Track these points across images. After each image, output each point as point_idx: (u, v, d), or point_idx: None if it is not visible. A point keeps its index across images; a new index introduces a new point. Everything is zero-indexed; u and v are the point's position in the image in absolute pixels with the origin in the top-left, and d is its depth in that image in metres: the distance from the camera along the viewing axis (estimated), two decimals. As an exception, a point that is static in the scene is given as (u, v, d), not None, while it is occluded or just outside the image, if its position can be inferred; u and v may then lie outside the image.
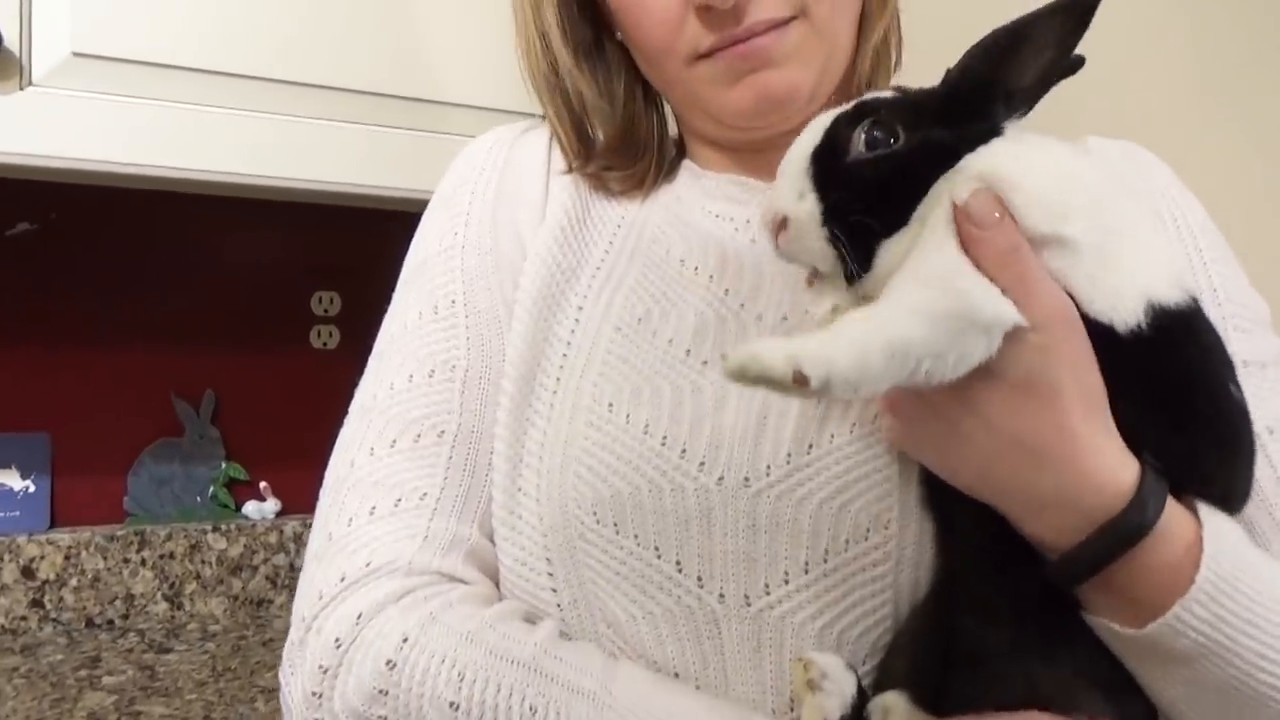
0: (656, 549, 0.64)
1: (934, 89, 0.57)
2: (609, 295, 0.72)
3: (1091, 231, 0.53)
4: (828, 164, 0.55)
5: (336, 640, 0.61)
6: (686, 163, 0.81)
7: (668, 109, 0.82)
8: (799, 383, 0.44)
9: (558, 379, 0.70)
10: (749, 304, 0.71)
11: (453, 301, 0.72)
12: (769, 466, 0.63)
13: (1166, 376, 0.55)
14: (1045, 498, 0.54)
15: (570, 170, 0.77)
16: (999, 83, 0.55)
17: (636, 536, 0.64)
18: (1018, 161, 0.53)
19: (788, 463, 0.63)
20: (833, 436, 0.63)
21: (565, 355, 0.70)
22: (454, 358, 0.71)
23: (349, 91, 1.17)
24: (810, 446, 0.63)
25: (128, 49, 1.02)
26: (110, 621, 1.40)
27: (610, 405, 0.67)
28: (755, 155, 0.77)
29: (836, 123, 0.56)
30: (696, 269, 0.73)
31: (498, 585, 0.69)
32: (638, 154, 0.78)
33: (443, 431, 0.69)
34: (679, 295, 0.72)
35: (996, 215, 0.51)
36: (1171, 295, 0.55)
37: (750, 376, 0.46)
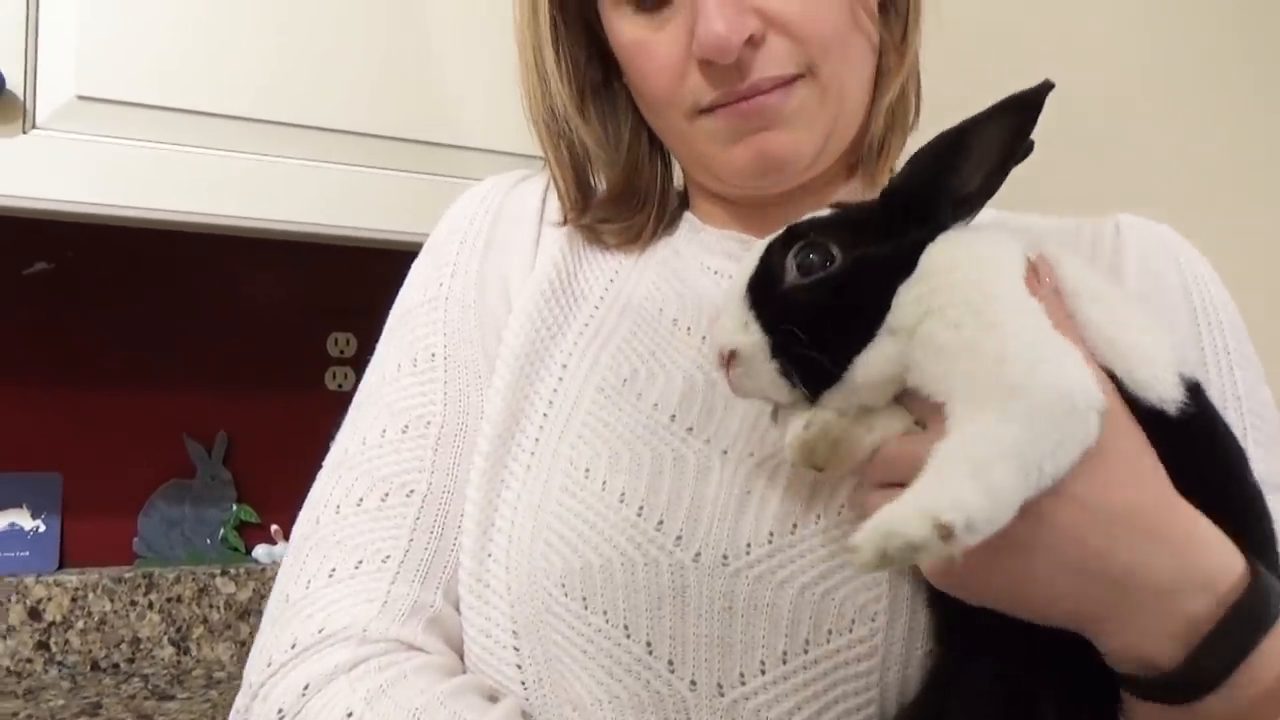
0: (626, 628, 0.60)
1: (873, 202, 0.54)
2: (595, 353, 0.69)
3: (1117, 305, 0.50)
4: (764, 293, 0.52)
5: (280, 712, 0.58)
6: (688, 215, 0.77)
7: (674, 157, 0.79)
8: (945, 537, 0.40)
9: (536, 440, 0.66)
10: None
11: (433, 355, 0.69)
12: (749, 545, 0.59)
13: (1202, 453, 0.51)
14: (1164, 583, 0.46)
15: (565, 222, 0.74)
16: (945, 191, 0.51)
17: (606, 613, 0.60)
18: (983, 249, 0.50)
19: (769, 542, 0.59)
20: (818, 517, 0.59)
21: (545, 415, 0.67)
22: (430, 413, 0.68)
23: (363, 135, 1.17)
24: (794, 526, 0.59)
25: (134, 91, 1.02)
26: (115, 665, 1.39)
27: (587, 470, 0.63)
28: (756, 211, 0.74)
29: (769, 250, 0.53)
30: (689, 329, 0.69)
31: (462, 658, 0.65)
32: (638, 204, 0.75)
33: (411, 491, 0.66)
34: (668, 356, 0.68)
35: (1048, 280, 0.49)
36: (1188, 371, 0.51)
37: (895, 557, 0.41)
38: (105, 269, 1.43)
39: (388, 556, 0.64)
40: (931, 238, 0.51)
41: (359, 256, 1.38)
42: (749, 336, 0.52)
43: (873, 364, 0.50)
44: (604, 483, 0.62)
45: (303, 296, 1.53)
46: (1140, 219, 0.72)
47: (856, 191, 0.75)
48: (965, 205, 0.52)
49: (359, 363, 1.52)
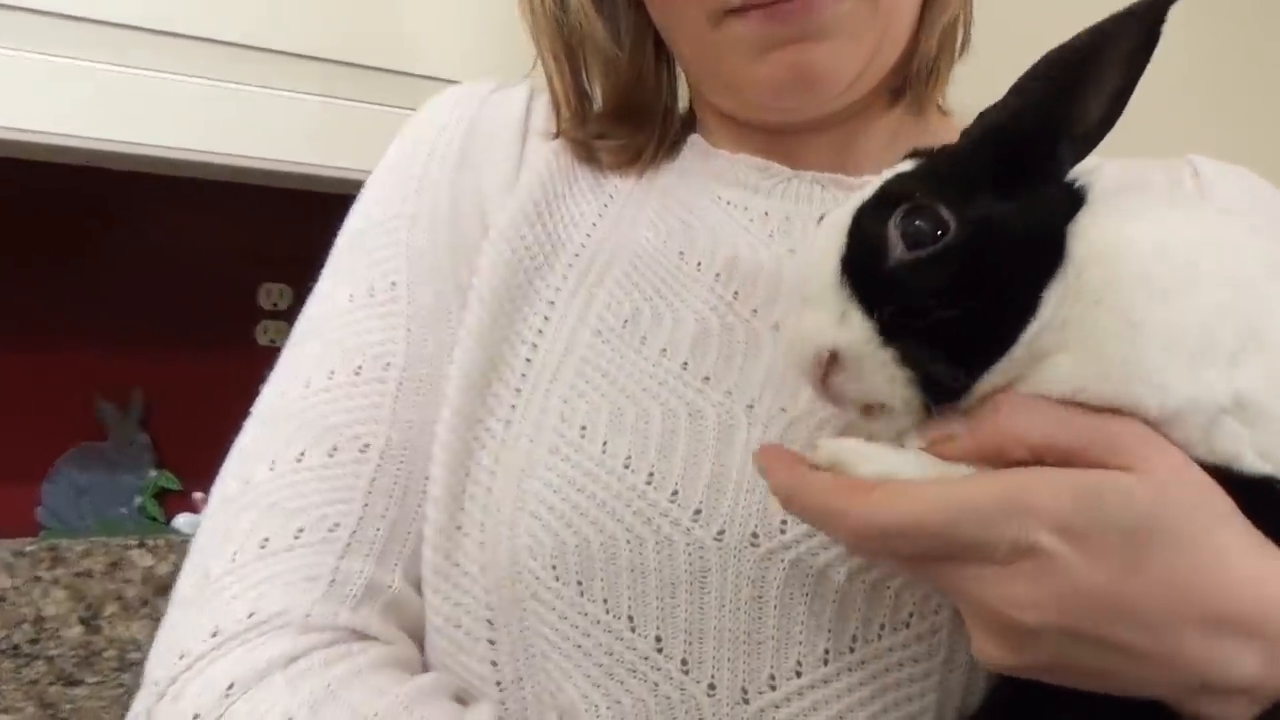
0: (631, 619, 0.49)
1: (969, 147, 0.42)
2: (589, 289, 0.58)
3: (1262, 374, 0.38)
4: (865, 273, 0.40)
5: (195, 717, 0.46)
6: (694, 138, 0.66)
7: (680, 73, 0.68)
8: None
9: (518, 391, 0.55)
10: (762, 311, 0.56)
11: (393, 284, 0.57)
12: (785, 521, 0.49)
13: None
14: (1247, 681, 0.38)
15: (559, 133, 0.63)
16: (1064, 126, 0.41)
17: (606, 601, 0.49)
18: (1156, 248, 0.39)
19: None
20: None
21: (529, 361, 0.56)
22: (389, 354, 0.56)
23: (303, 58, 1.04)
24: None
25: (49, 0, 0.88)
26: (16, 647, 1.25)
27: (583, 429, 0.52)
28: (781, 138, 0.63)
29: (860, 218, 0.42)
30: (700, 265, 0.59)
31: (423, 650, 0.54)
32: (640, 121, 0.64)
33: (367, 445, 0.54)
34: (676, 295, 0.57)
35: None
36: None
37: None
38: (3, 208, 1.27)
39: (336, 525, 0.52)
40: (1072, 197, 0.40)
41: (296, 198, 1.24)
42: (853, 331, 0.40)
43: (1014, 366, 0.39)
44: (604, 443, 0.51)
45: (231, 242, 1.39)
46: (1215, 161, 0.63)
47: (902, 122, 0.64)
48: (1084, 143, 0.41)
49: (294, 316, 1.40)
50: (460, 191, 0.60)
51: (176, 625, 0.50)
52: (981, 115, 0.42)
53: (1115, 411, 0.38)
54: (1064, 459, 0.38)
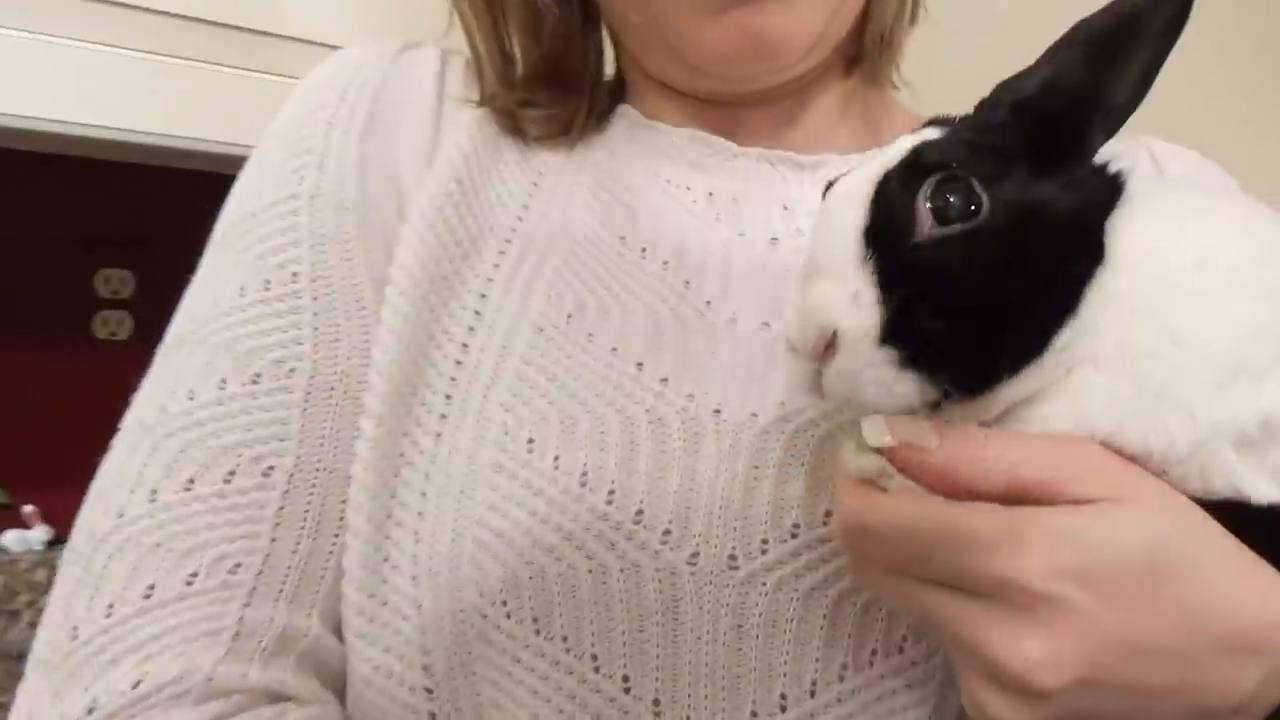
0: (594, 658, 0.43)
1: (999, 118, 0.38)
2: (525, 279, 0.51)
3: None
4: (888, 248, 0.36)
5: None
6: (626, 109, 0.60)
7: (606, 35, 0.61)
8: None
9: (448, 398, 0.48)
10: (718, 302, 0.51)
11: (294, 275, 0.49)
12: (765, 541, 0.44)
13: None
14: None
15: (482, 101, 0.55)
16: (1097, 100, 0.37)
17: (566, 639, 0.43)
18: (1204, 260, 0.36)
19: (794, 536, 0.44)
20: None
21: (460, 364, 0.49)
22: (293, 356, 0.47)
23: (148, 11, 0.91)
24: (828, 513, 0.44)
25: None
26: None
27: (530, 441, 0.46)
28: (724, 109, 0.58)
29: (886, 185, 0.37)
30: (645, 251, 0.53)
31: (344, 702, 0.46)
32: (568, 87, 0.58)
33: (271, 468, 0.46)
34: (621, 286, 0.51)
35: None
36: None
37: None
38: None
39: (238, 565, 0.44)
40: (1110, 185, 0.37)
41: (139, 174, 1.13)
42: (861, 315, 0.35)
43: (1043, 374, 0.35)
44: (556, 458, 0.45)
45: (64, 223, 1.24)
46: (1165, 143, 0.62)
47: (853, 94, 0.60)
48: (1113, 122, 0.38)
49: (137, 306, 1.28)
50: (370, 168, 0.52)
51: (39, 696, 0.41)
52: (1003, 86, 0.38)
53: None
54: (1035, 493, 0.34)
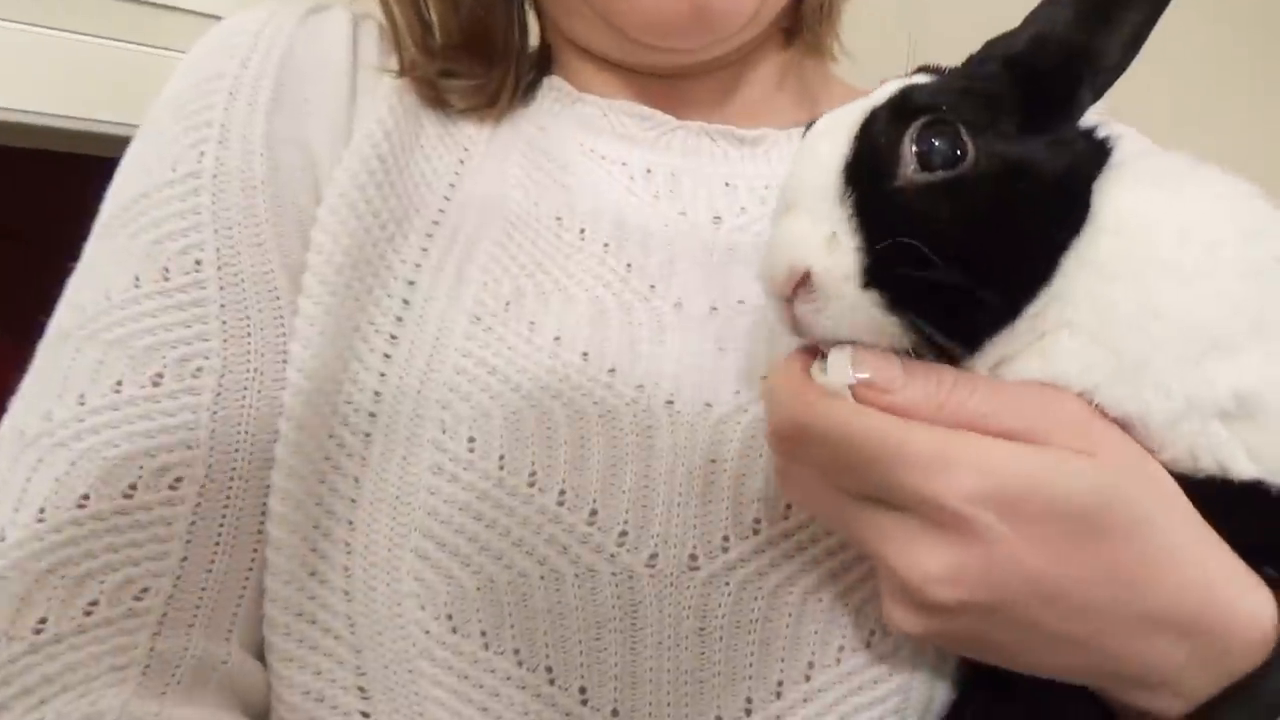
0: (549, 670, 0.40)
1: (989, 70, 0.37)
2: (456, 263, 0.47)
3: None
4: (868, 187, 0.34)
5: None
6: (553, 81, 0.56)
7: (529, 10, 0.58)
8: None
9: (377, 395, 0.44)
10: (662, 286, 0.48)
11: (197, 263, 0.44)
12: (726, 539, 0.41)
13: None
14: (1169, 671, 0.35)
15: (403, 71, 0.51)
16: (1089, 60, 0.36)
17: (518, 652, 0.40)
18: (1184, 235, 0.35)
19: (755, 533, 0.42)
20: None
21: (390, 358, 0.45)
22: (199, 354, 0.43)
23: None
24: (789, 507, 0.42)
25: None
26: None
27: (471, 440, 0.42)
28: (659, 81, 0.55)
29: (872, 123, 0.35)
30: (583, 232, 0.50)
31: None
32: (492, 56, 0.54)
33: (179, 480, 0.41)
34: (561, 269, 0.48)
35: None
36: None
37: None
38: None
39: (144, 590, 0.39)
40: (1098, 150, 0.36)
41: (11, 156, 1.01)
42: (839, 259, 0.33)
43: (1013, 339, 0.34)
44: (501, 457, 0.42)
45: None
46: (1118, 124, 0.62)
47: (791, 65, 0.58)
48: (1104, 80, 0.37)
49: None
50: (279, 143, 0.47)
51: None
52: (993, 42, 0.37)
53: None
54: (1007, 439, 0.34)
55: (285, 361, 0.44)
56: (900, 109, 0.35)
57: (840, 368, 0.34)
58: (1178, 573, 0.34)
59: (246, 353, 0.43)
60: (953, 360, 0.35)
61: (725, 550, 0.41)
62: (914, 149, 0.33)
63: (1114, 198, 0.35)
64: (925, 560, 0.33)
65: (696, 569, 0.41)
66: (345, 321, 0.44)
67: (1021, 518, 0.32)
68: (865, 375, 0.34)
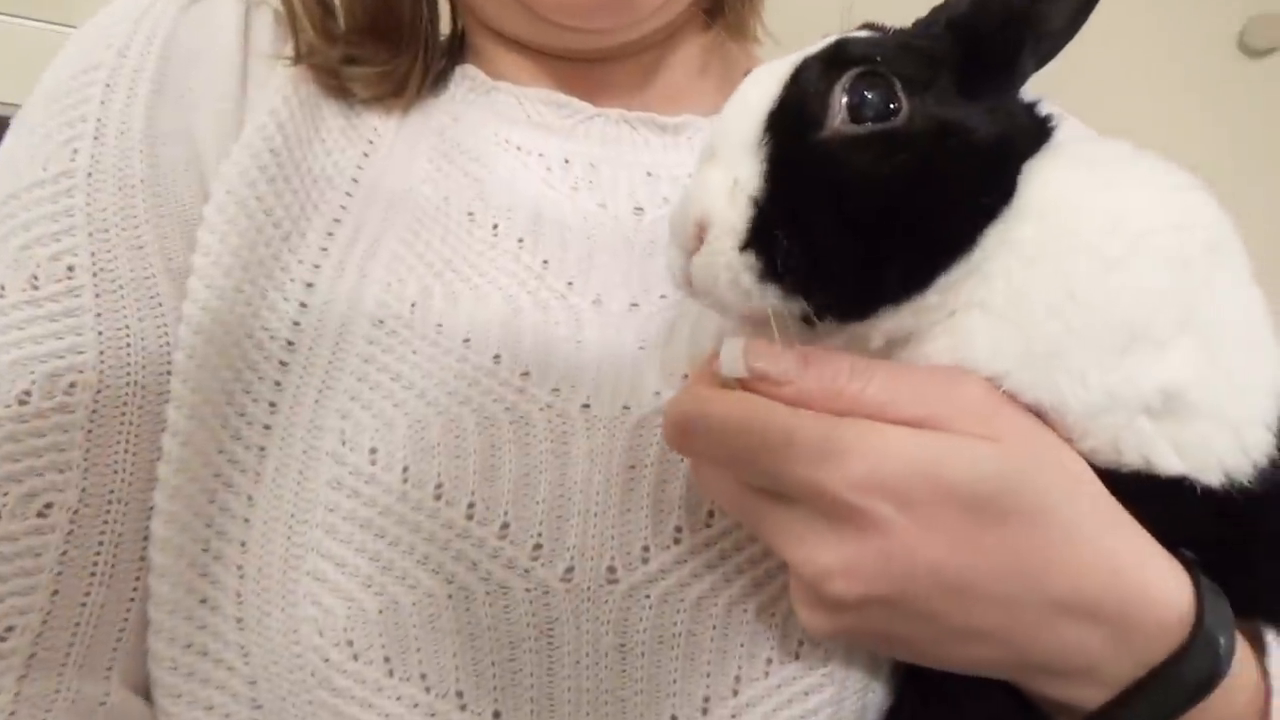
0: (460, 695, 0.38)
1: (933, 30, 0.35)
2: (359, 263, 0.44)
3: (1201, 356, 0.33)
4: (792, 136, 0.32)
5: None
6: (467, 69, 0.54)
7: None
8: None
9: (272, 406, 0.41)
10: (579, 282, 0.46)
11: (70, 269, 0.40)
12: (646, 549, 0.39)
13: None
14: (1081, 665, 0.34)
15: (299, 57, 0.48)
16: (1032, 23, 0.35)
17: (425, 678, 0.38)
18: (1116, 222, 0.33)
19: (676, 542, 0.39)
20: None
21: (286, 365, 0.42)
22: (71, 368, 0.39)
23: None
24: (711, 514, 0.40)
25: None
26: None
27: (373, 452, 0.39)
28: (576, 67, 0.52)
29: (803, 71, 0.33)
30: (496, 228, 0.47)
31: None
32: (399, 41, 0.51)
33: (49, 505, 0.37)
34: (472, 267, 0.45)
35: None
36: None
37: None
38: None
39: (9, 629, 0.36)
40: (1031, 119, 0.34)
41: None
42: (732, 209, 0.32)
43: (919, 312, 0.33)
44: (405, 469, 0.39)
45: None
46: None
47: (713, 48, 0.55)
48: (1046, 49, 0.35)
49: None
50: (161, 138, 0.44)
51: None
52: (938, 7, 0.35)
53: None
54: (908, 426, 0.32)
55: (169, 373, 0.40)
56: (834, 59, 0.33)
57: (732, 359, 0.33)
58: (1080, 557, 0.32)
59: (125, 365, 0.40)
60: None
61: (645, 561, 0.39)
62: (845, 99, 0.32)
63: (1046, 178, 0.33)
64: (820, 554, 0.32)
65: (615, 582, 0.39)
66: (237, 327, 0.41)
67: (917, 506, 0.31)
68: (759, 366, 0.32)
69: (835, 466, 0.31)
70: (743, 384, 0.33)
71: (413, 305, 0.43)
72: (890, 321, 0.33)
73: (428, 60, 0.52)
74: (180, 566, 0.38)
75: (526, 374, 0.42)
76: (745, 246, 0.31)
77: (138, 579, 0.39)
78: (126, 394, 0.40)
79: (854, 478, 0.31)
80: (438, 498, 0.38)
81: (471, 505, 0.39)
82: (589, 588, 0.38)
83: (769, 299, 0.32)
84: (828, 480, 0.31)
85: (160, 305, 0.41)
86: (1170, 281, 0.33)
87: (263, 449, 0.40)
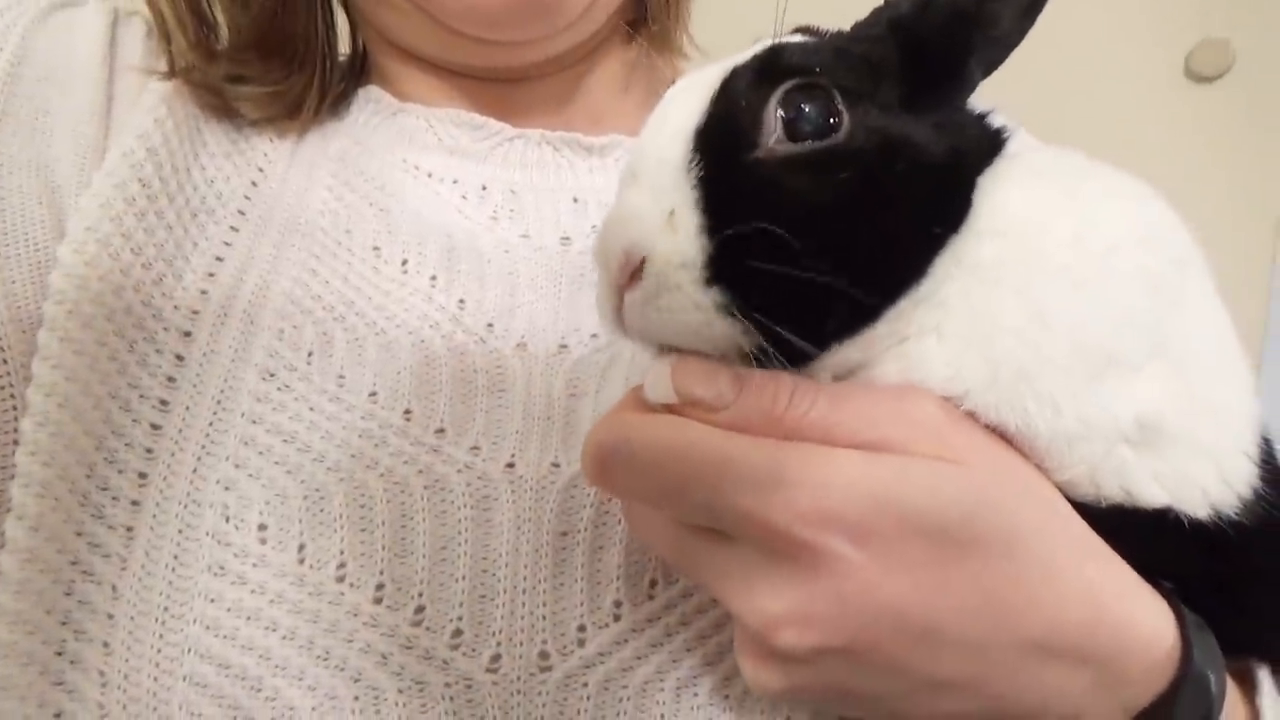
0: None
1: (874, 33, 0.32)
2: (245, 308, 0.39)
3: (1173, 382, 0.31)
4: (721, 158, 0.28)
5: None
6: (370, 90, 0.48)
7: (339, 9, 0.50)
8: None
9: (142, 478, 0.35)
10: (501, 324, 0.41)
11: None
12: (583, 629, 0.34)
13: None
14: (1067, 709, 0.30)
15: (173, 73, 0.42)
16: (978, 27, 0.32)
17: None
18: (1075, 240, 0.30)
19: (616, 620, 0.35)
20: None
21: (159, 429, 0.36)
22: None
23: None
24: (653, 584, 0.35)
25: None
26: None
27: (262, 529, 0.34)
28: (491, 86, 0.48)
29: (732, 82, 0.29)
30: (405, 265, 0.42)
31: None
32: (293, 59, 0.45)
33: None
34: (378, 310, 0.40)
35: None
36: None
37: None
38: None
39: None
40: (982, 131, 0.31)
41: None
42: (678, 242, 0.27)
43: (870, 344, 0.29)
44: (301, 547, 0.34)
45: None
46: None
47: (638, 63, 0.51)
48: (994, 52, 0.32)
49: None
50: (8, 167, 0.38)
51: None
52: (881, 6, 0.31)
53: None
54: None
55: (14, 444, 0.34)
56: (767, 69, 0.29)
57: (660, 383, 0.29)
58: (1058, 590, 0.29)
59: None
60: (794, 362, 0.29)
61: (581, 644, 0.34)
62: (780, 114, 0.28)
63: (1002, 194, 0.30)
64: (767, 600, 0.28)
65: (549, 669, 0.34)
66: (98, 387, 0.35)
67: (874, 539, 0.27)
68: (692, 391, 0.28)
69: (779, 497, 0.27)
70: (672, 410, 0.29)
71: (309, 355, 0.38)
72: (836, 357, 0.29)
73: (325, 79, 0.47)
74: (29, 677, 0.32)
75: (441, 431, 0.37)
76: (712, 281, 0.27)
77: None
78: None
79: (801, 509, 0.27)
80: (340, 579, 0.33)
81: (380, 587, 0.33)
82: (519, 678, 0.33)
83: (727, 338, 0.27)
84: (771, 513, 0.27)
85: (4, 363, 0.35)
86: (1142, 301, 0.30)
87: (130, 529, 0.34)
